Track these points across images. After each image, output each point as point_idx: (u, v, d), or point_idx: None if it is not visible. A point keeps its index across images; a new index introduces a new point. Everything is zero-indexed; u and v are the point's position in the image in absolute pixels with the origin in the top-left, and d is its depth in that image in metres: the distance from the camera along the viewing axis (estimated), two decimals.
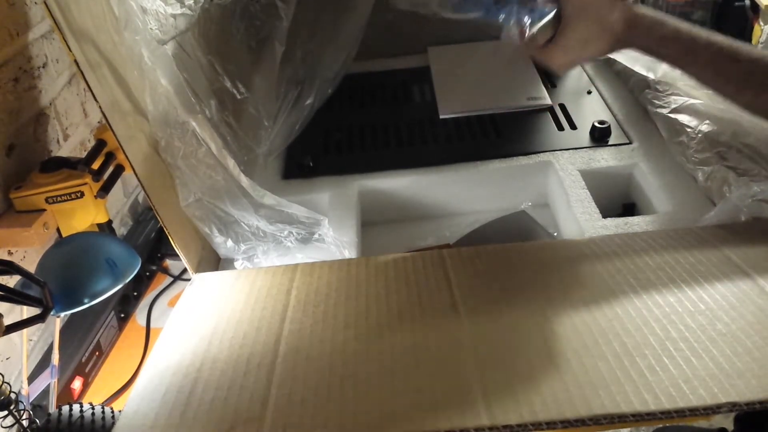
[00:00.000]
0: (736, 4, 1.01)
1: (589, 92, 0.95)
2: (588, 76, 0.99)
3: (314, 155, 0.85)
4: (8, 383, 0.51)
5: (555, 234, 0.76)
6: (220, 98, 0.75)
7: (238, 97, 0.77)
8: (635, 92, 0.91)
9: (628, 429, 0.61)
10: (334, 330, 0.51)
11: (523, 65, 1.02)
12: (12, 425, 0.51)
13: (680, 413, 0.41)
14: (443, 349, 0.47)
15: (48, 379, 0.60)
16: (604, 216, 0.70)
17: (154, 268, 0.84)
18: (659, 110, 0.81)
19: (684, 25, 0.59)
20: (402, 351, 0.48)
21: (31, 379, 0.62)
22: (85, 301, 0.55)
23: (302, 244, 0.68)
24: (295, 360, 0.48)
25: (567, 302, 0.51)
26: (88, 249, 0.58)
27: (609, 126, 0.83)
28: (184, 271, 0.83)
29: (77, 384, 0.66)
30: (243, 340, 0.51)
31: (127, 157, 0.57)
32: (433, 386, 0.44)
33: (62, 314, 0.56)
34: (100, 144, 0.68)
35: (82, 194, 0.64)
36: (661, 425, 0.60)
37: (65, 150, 0.74)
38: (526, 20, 0.61)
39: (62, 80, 0.74)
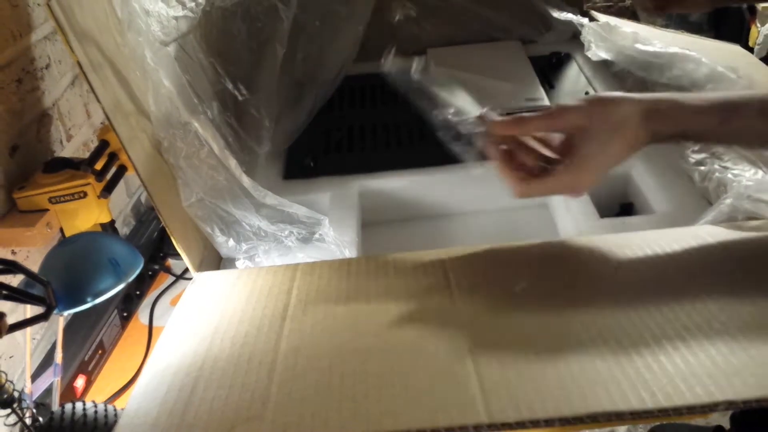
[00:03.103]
0: (733, 6, 1.01)
1: (587, 93, 0.95)
2: (586, 77, 1.00)
3: (315, 155, 0.85)
4: (12, 381, 0.51)
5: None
6: (221, 99, 0.75)
7: (240, 98, 0.78)
8: (633, 92, 0.91)
9: (626, 427, 0.62)
10: (334, 329, 0.51)
11: (521, 66, 1.03)
12: (15, 423, 0.51)
13: (677, 411, 0.41)
14: (442, 348, 0.48)
15: (51, 378, 0.60)
16: (602, 216, 0.70)
17: (156, 267, 0.84)
18: None
19: (702, 97, 0.52)
20: (402, 350, 0.48)
21: (35, 377, 0.63)
22: (88, 300, 0.55)
23: (303, 243, 0.69)
24: (296, 359, 0.49)
25: (564, 301, 0.51)
26: (91, 249, 0.59)
27: None
28: (186, 270, 0.83)
29: (80, 382, 0.67)
30: (244, 339, 0.51)
31: (129, 157, 0.57)
32: (433, 385, 0.45)
33: (65, 313, 0.57)
34: (103, 144, 0.68)
35: (85, 194, 0.64)
36: (658, 423, 0.61)
37: (68, 151, 0.74)
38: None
39: (65, 81, 0.75)
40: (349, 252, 0.69)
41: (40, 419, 0.53)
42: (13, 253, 0.64)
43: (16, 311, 0.61)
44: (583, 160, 0.50)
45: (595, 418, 0.41)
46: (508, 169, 0.53)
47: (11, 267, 0.50)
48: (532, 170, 0.53)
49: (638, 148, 0.52)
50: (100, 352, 0.71)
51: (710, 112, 0.52)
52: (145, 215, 0.90)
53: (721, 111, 0.52)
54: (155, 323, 0.76)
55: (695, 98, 0.52)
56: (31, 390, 0.59)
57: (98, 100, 0.54)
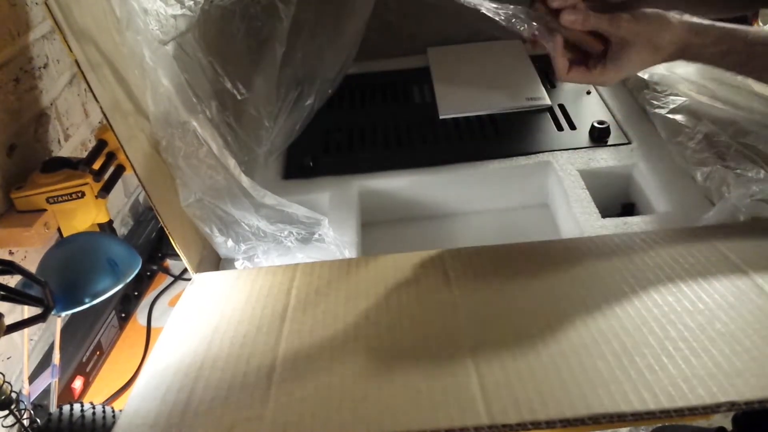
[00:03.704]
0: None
1: (588, 92, 0.95)
2: None
3: (314, 155, 0.85)
4: (9, 383, 0.51)
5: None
6: (220, 99, 0.75)
7: (239, 97, 0.77)
8: (634, 92, 0.91)
9: (627, 428, 0.62)
10: (334, 330, 0.51)
11: (522, 65, 1.03)
12: (13, 425, 0.51)
13: (679, 412, 0.41)
14: (443, 349, 0.48)
15: (49, 379, 0.60)
16: (604, 216, 0.70)
17: (154, 267, 0.84)
18: (658, 110, 0.81)
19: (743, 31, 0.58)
20: (401, 350, 0.48)
21: (32, 378, 0.62)
22: (86, 300, 0.55)
23: (302, 243, 0.69)
24: (295, 359, 0.48)
25: (566, 302, 0.51)
26: (89, 249, 0.58)
27: (608, 126, 0.83)
28: (185, 270, 0.83)
29: (78, 383, 0.66)
30: (243, 340, 0.51)
31: (127, 157, 0.57)
32: (433, 385, 0.44)
33: (63, 314, 0.57)
34: (101, 144, 0.68)
35: (83, 194, 0.64)
36: (660, 424, 0.61)
37: (66, 150, 0.74)
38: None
39: (63, 80, 0.74)
40: (349, 252, 0.69)
41: (38, 421, 0.53)
42: (11, 253, 0.64)
43: (14, 312, 0.61)
44: (621, 65, 0.59)
45: (596, 419, 0.41)
46: (561, 53, 0.60)
47: (8, 267, 0.50)
48: (575, 59, 0.61)
49: (666, 62, 0.60)
50: (98, 353, 0.70)
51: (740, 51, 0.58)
52: (144, 215, 0.90)
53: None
54: (153, 324, 0.76)
55: (737, 40, 0.58)
56: (29, 391, 0.58)
57: (96, 100, 0.54)
